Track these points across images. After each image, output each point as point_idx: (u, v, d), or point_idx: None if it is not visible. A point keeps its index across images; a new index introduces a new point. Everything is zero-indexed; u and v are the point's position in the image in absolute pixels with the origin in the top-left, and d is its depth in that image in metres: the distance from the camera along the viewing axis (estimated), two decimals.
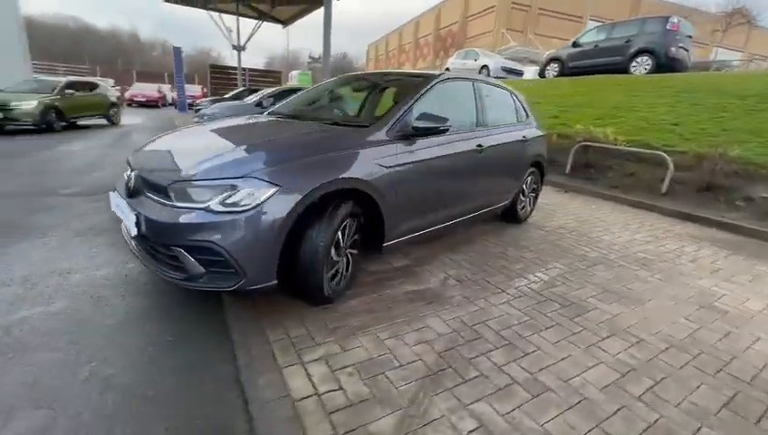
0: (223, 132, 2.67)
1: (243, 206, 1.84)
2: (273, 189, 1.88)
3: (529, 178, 4.14)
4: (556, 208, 5.13)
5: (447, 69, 17.24)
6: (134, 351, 1.92)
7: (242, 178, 1.87)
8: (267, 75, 21.29)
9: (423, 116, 2.56)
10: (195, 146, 2.38)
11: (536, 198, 4.46)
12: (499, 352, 1.99)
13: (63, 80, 11.10)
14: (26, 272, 2.57)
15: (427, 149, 2.67)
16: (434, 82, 2.89)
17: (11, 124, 8.98)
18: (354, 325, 2.14)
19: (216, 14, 18.29)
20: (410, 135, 2.56)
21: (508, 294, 2.64)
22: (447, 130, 2.64)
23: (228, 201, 1.84)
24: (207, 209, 1.83)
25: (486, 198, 3.50)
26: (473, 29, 33.14)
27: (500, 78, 14.43)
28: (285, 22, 21.01)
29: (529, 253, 3.42)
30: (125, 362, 1.84)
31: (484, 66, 14.88)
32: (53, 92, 9.98)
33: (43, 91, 9.90)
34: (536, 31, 30.27)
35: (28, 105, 9.11)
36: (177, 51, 17.59)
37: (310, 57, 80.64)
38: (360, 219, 2.41)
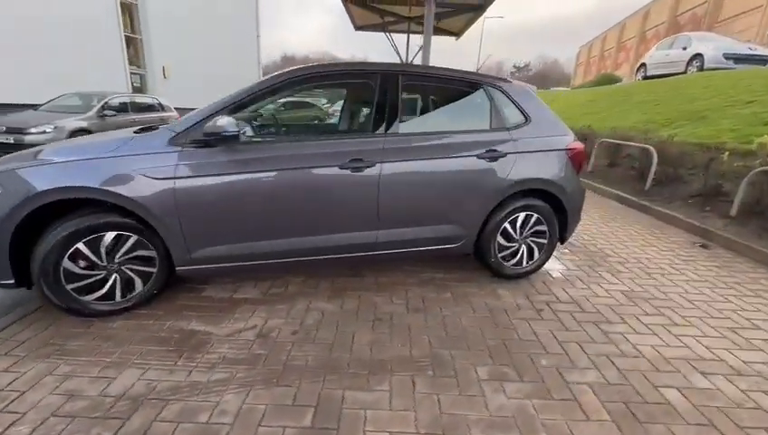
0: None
1: None
2: None
3: (519, 214, 2.69)
4: (632, 268, 3.16)
5: (643, 64, 13.31)
6: None
7: None
8: None
9: (220, 121, 2.06)
10: None
11: (549, 247, 2.85)
12: None
13: (282, 100, 16.35)
14: None
15: (237, 163, 2.14)
16: (282, 79, 2.27)
17: None
18: (67, 348, 1.94)
19: (392, 36, 20.13)
20: (208, 143, 2.10)
21: (273, 373, 1.81)
22: (236, 136, 2.04)
23: None
24: None
25: (395, 234, 2.49)
26: (730, 8, 24.26)
27: (723, 68, 9.96)
28: (457, 33, 21.11)
29: (420, 330, 2.24)
30: None
31: (697, 55, 10.63)
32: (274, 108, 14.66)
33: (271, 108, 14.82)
34: None
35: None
36: None
37: (514, 66, 78.03)
38: (143, 234, 2.16)
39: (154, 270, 2.27)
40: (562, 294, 2.71)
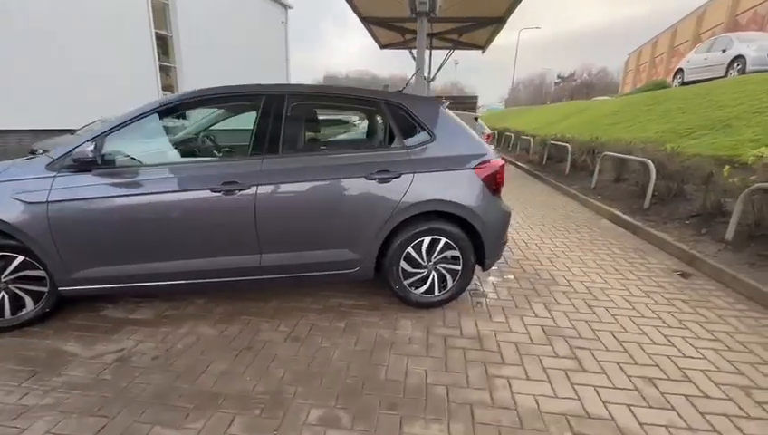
0: None
1: None
2: None
3: (425, 238, 2.48)
4: (575, 299, 2.81)
5: (680, 69, 12.25)
6: None
7: None
8: (461, 101, 21.62)
9: (84, 147, 2.12)
10: None
11: (465, 274, 2.59)
12: None
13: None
14: None
15: (109, 186, 2.18)
16: (165, 104, 2.30)
17: None
18: None
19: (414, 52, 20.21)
20: (79, 168, 2.17)
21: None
22: (95, 161, 2.09)
23: None
24: None
25: (282, 259, 2.39)
26: None
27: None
28: (483, 46, 20.84)
29: (284, 362, 2.11)
30: None
31: (738, 57, 9.56)
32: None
33: None
34: None
35: None
36: (385, 87, 20.63)
37: (558, 77, 75.30)
38: (30, 255, 2.26)
39: (45, 289, 2.36)
40: (470, 328, 2.45)
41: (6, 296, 2.29)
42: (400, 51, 18.45)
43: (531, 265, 3.50)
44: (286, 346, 2.23)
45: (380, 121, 2.51)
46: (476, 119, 9.01)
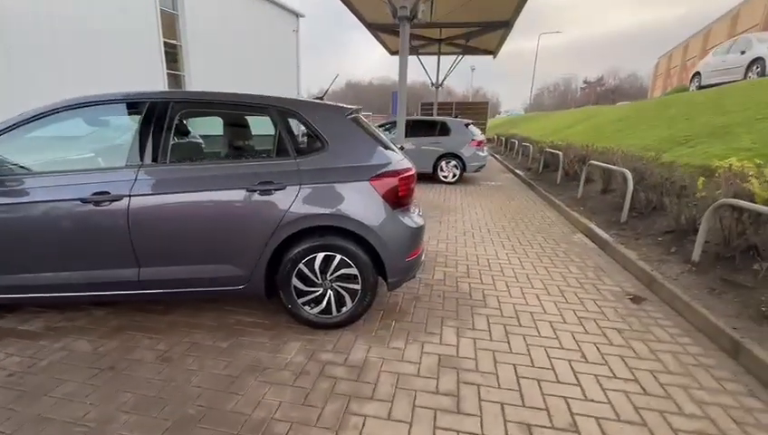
0: None
1: None
2: None
3: (318, 254, 2.30)
4: (496, 324, 2.55)
5: (698, 73, 11.52)
6: None
7: None
8: (472, 107, 21.26)
9: None
10: None
11: (365, 293, 2.39)
12: None
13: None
14: None
15: None
16: (45, 112, 2.23)
17: None
18: None
19: (426, 59, 19.99)
20: None
21: None
22: None
23: None
24: None
25: (163, 273, 2.27)
26: None
27: None
28: (493, 51, 20.48)
29: (138, 386, 1.97)
30: None
31: (758, 59, 8.86)
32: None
33: None
34: None
35: None
36: (395, 94, 20.60)
37: (584, 82, 73.13)
38: None
39: None
40: (360, 354, 2.24)
41: None
42: (420, 57, 18.34)
43: (468, 284, 3.24)
44: (151, 367, 2.10)
45: (271, 129, 2.36)
46: (467, 126, 8.74)
